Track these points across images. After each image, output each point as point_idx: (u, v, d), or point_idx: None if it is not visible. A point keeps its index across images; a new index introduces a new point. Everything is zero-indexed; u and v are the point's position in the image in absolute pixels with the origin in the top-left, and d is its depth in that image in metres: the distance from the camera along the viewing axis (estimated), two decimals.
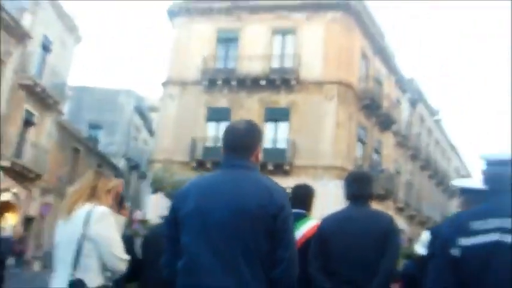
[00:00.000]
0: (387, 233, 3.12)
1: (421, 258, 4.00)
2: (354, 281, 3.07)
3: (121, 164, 35.18)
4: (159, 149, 22.84)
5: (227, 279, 2.04)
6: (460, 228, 2.09)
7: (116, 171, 34.50)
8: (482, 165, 2.29)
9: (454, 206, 44.92)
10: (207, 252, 2.08)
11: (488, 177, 2.25)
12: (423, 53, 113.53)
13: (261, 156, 2.36)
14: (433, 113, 39.47)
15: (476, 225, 2.06)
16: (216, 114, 22.92)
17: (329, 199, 20.77)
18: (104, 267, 2.65)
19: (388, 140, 28.82)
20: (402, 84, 31.64)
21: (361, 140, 25.01)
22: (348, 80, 22.94)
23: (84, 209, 2.68)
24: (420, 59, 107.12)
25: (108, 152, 33.45)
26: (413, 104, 34.40)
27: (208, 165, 21.06)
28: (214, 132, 22.81)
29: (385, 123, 27.34)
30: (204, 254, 2.08)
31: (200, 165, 21.39)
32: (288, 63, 23.05)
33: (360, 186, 3.34)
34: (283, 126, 22.53)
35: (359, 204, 3.29)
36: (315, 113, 21.94)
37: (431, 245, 3.09)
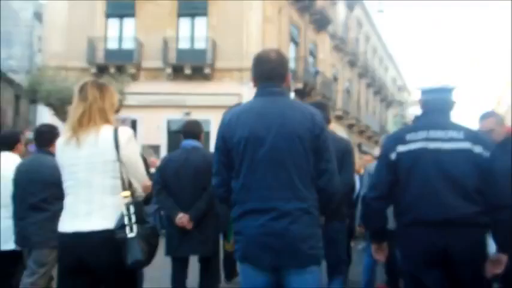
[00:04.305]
0: None
1: None
2: None
3: (26, 82, 30.44)
4: (50, 53, 18.63)
5: (285, 192, 2.34)
6: (398, 138, 2.81)
7: (20, 90, 29.92)
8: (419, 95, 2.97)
9: (391, 116, 44.07)
10: (266, 172, 2.35)
11: (422, 103, 2.92)
12: None
13: (290, 81, 2.59)
14: (369, 16, 36.79)
15: (409, 136, 2.75)
16: (117, 9, 18.92)
17: None
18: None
19: (324, 43, 26.02)
20: None
21: (293, 40, 22.01)
22: None
23: (105, 131, 2.53)
24: None
25: (7, 68, 28.54)
26: (350, 6, 31.41)
27: (112, 70, 17.45)
28: (117, 31, 18.96)
29: (321, 22, 24.40)
30: (264, 174, 2.35)
31: (101, 70, 17.68)
32: None
33: None
34: (200, 22, 18.94)
35: None
36: (238, 5, 18.45)
37: None
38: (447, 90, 2.86)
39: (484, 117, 3.83)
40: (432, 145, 2.67)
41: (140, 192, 2.66)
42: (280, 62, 2.53)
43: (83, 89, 2.61)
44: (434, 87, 2.87)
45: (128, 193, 2.52)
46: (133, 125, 16.74)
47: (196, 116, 17.89)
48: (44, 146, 4.00)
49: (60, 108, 14.33)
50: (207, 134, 17.16)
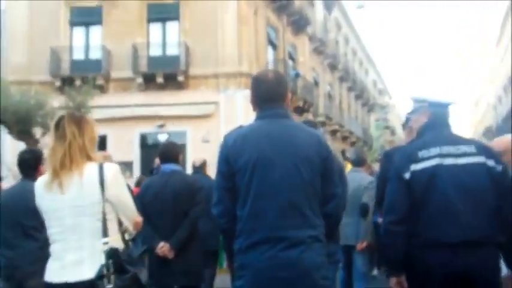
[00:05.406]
0: None
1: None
2: None
3: None
4: (11, 67, 17.13)
5: (296, 219, 2.25)
6: (410, 156, 2.64)
7: None
8: (422, 105, 2.90)
9: (373, 120, 43.31)
10: (276, 198, 2.25)
11: (430, 115, 2.81)
12: None
13: (289, 101, 2.50)
14: (348, 16, 36.03)
15: (422, 153, 2.62)
16: (83, 16, 17.64)
17: (238, 112, 16.97)
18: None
19: (303, 45, 25.05)
20: None
21: (271, 43, 20.99)
22: None
23: (89, 169, 2.42)
24: None
25: None
26: (328, 6, 30.60)
27: (78, 83, 16.11)
28: (83, 40, 17.67)
29: (299, 23, 23.45)
30: (274, 200, 2.25)
31: (66, 83, 16.33)
32: None
33: None
34: (172, 27, 17.78)
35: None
36: (211, 7, 17.33)
37: (384, 167, 3.86)
38: (451, 104, 2.84)
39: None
40: (447, 161, 2.59)
41: (131, 231, 2.58)
42: (278, 82, 2.47)
43: (59, 126, 2.46)
44: (445, 101, 2.84)
45: (108, 239, 2.39)
46: (103, 140, 15.42)
47: (172, 127, 16.71)
48: (28, 174, 3.74)
49: (13, 126, 12.86)
50: (183, 146, 15.97)
